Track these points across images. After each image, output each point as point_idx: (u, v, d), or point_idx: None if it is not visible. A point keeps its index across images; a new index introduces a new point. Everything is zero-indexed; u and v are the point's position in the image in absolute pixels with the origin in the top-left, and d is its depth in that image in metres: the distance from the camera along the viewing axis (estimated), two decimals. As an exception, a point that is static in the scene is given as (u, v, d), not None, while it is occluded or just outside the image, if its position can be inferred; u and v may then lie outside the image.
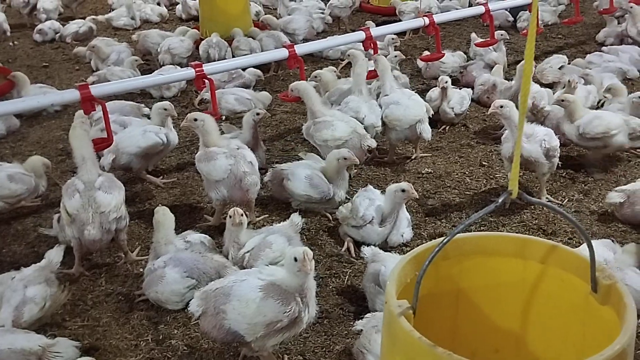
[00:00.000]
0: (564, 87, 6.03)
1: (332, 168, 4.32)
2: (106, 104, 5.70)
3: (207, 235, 3.81)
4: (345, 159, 4.25)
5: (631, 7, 7.75)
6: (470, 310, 2.00)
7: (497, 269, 1.93)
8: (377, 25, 7.52)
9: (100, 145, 4.33)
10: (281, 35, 7.72)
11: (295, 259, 2.82)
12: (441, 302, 1.96)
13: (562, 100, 4.78)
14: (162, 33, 7.97)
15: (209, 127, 4.17)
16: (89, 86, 4.39)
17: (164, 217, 3.63)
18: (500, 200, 1.57)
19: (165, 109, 4.70)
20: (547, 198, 4.49)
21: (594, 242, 3.58)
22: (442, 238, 1.67)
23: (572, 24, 8.22)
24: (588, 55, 7.06)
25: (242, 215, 3.63)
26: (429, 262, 1.65)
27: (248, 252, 3.60)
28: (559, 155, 4.33)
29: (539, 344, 1.94)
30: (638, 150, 4.94)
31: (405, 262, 1.76)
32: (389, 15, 9.28)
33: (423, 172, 5.08)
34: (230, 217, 3.63)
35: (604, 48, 7.40)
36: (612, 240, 3.64)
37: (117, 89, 4.75)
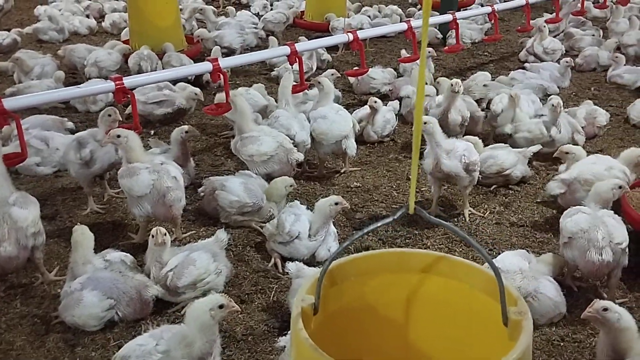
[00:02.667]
0: (488, 103, 6.27)
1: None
2: (28, 118, 5.55)
3: (128, 254, 3.71)
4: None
5: (544, 26, 8.18)
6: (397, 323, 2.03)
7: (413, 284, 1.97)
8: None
9: (14, 160, 4.17)
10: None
11: (222, 306, 2.79)
12: (385, 315, 2.00)
13: None
14: (90, 47, 7.77)
15: (133, 143, 4.08)
16: (2, 99, 4.21)
17: (82, 236, 3.52)
18: (397, 215, 1.64)
19: (110, 115, 4.45)
20: (469, 211, 4.62)
21: (511, 253, 3.68)
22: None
23: (492, 41, 8.57)
24: (511, 72, 7.33)
25: (165, 234, 3.56)
26: (329, 263, 1.73)
27: (171, 270, 3.53)
28: (478, 169, 4.46)
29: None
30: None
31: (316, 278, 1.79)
32: (323, 31, 9.37)
33: (352, 186, 5.14)
34: (153, 236, 3.56)
35: (526, 65, 7.71)
36: (528, 251, 3.77)
37: (33, 102, 4.55)
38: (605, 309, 2.80)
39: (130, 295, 3.40)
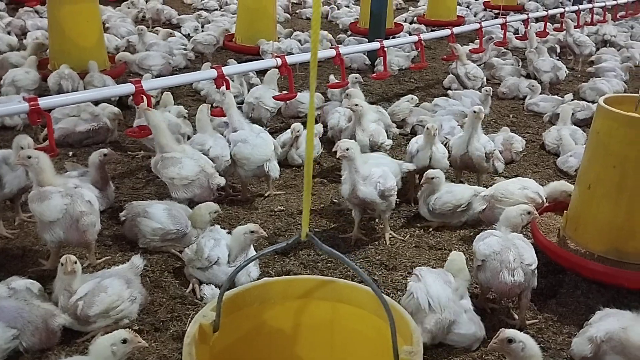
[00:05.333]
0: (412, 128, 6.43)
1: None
2: None
3: (34, 281, 3.55)
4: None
5: (455, 48, 8.44)
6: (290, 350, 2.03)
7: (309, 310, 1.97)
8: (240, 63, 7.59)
9: None
10: None
11: (125, 341, 2.74)
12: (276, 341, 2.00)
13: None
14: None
15: (44, 165, 3.92)
16: None
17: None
18: (291, 241, 1.68)
19: (22, 148, 4.22)
20: (390, 234, 4.68)
21: (434, 278, 3.62)
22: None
23: (419, 69, 8.84)
24: (435, 98, 7.55)
25: (75, 262, 3.43)
26: (228, 282, 1.79)
27: (81, 298, 3.40)
28: (395, 194, 4.50)
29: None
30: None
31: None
32: (253, 54, 9.39)
33: (275, 210, 5.12)
34: (62, 264, 3.42)
35: (449, 92, 7.97)
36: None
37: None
38: (510, 340, 2.87)
39: (36, 324, 3.24)
